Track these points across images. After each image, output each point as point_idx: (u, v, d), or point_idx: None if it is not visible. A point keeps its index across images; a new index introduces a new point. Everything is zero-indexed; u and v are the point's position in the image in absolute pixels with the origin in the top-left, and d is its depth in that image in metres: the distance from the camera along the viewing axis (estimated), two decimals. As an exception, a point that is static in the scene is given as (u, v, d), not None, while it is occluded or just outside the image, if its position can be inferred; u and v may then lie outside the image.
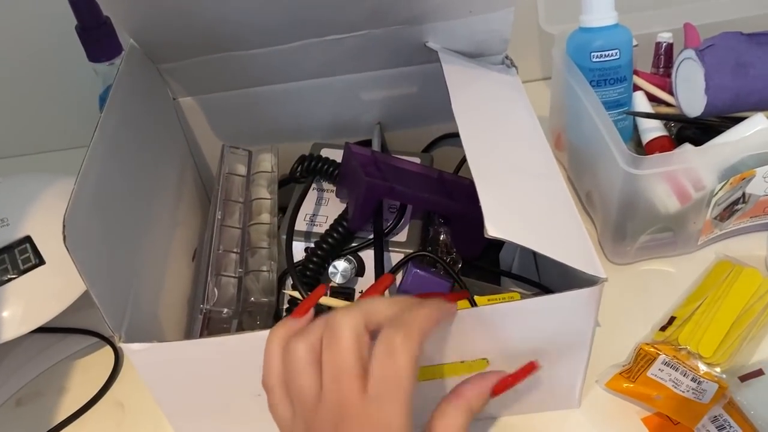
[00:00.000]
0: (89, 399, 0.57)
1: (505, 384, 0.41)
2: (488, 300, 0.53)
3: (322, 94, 0.62)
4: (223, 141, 0.62)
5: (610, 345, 0.56)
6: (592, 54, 0.61)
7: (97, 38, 0.65)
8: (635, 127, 0.66)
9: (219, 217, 0.52)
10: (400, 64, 0.61)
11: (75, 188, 0.39)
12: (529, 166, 0.48)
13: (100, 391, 0.58)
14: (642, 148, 0.65)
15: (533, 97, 0.56)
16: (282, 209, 0.59)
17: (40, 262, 0.55)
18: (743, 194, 0.58)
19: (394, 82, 0.63)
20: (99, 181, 0.43)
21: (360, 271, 0.53)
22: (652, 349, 0.53)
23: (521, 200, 0.44)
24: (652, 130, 0.64)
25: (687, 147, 0.59)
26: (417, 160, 0.61)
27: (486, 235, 0.39)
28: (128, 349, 0.41)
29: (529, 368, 0.42)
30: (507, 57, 0.60)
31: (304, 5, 0.52)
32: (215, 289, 0.48)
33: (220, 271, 0.49)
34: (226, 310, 0.46)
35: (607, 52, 0.60)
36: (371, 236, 0.53)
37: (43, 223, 0.57)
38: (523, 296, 0.53)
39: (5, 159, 0.90)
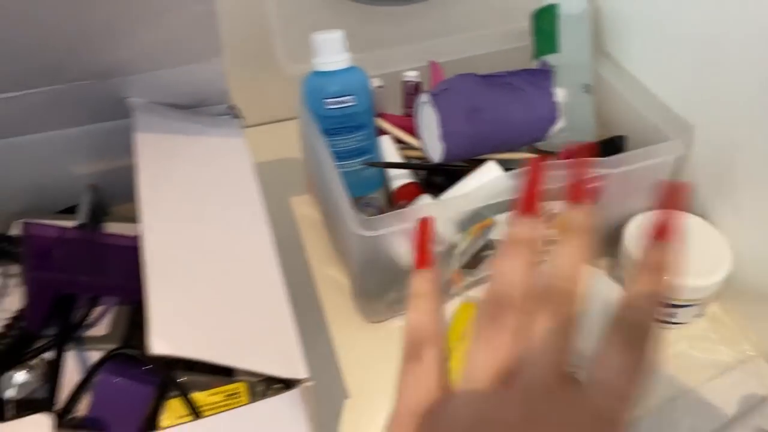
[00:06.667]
0: None
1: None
2: (209, 395, 0.46)
3: (7, 157, 0.52)
4: None
5: (364, 416, 0.51)
6: (326, 101, 0.56)
7: None
8: (385, 174, 0.62)
9: None
10: (106, 118, 0.52)
11: None
12: (232, 249, 0.41)
13: None
14: (391, 195, 0.61)
15: (291, 136, 0.48)
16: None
17: None
18: (488, 241, 0.56)
19: (104, 138, 0.54)
20: None
21: (53, 375, 0.44)
22: None
23: (210, 298, 0.38)
24: (399, 177, 0.60)
25: (424, 199, 0.55)
26: (133, 231, 0.52)
27: (151, 353, 0.32)
28: None
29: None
30: (230, 107, 0.54)
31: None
32: None
33: None
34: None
35: (341, 99, 0.56)
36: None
37: None
38: (251, 384, 0.47)
39: None
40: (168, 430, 0.36)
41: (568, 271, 0.31)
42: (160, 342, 0.33)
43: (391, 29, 0.68)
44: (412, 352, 0.32)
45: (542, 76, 0.57)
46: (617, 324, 0.29)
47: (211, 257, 0.40)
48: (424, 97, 0.57)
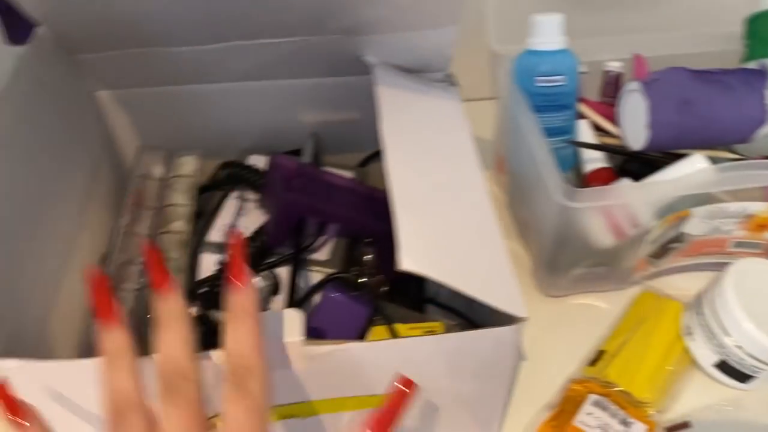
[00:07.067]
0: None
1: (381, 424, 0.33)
2: (409, 329, 0.50)
3: (252, 98, 0.59)
4: (144, 141, 0.59)
5: (538, 380, 0.54)
6: (537, 78, 0.59)
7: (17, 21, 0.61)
8: (578, 156, 0.64)
9: (124, 222, 0.48)
10: (339, 73, 0.58)
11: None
12: (457, 193, 0.45)
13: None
14: (583, 178, 0.63)
15: (481, 116, 0.52)
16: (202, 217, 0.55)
17: None
18: (679, 233, 0.57)
19: (332, 91, 0.60)
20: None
21: (276, 289, 0.50)
22: (581, 388, 0.52)
23: (444, 231, 0.42)
24: (594, 160, 0.62)
25: (624, 182, 0.57)
26: (349, 175, 0.58)
27: (399, 268, 0.36)
28: (2, 367, 0.37)
29: (402, 392, 0.34)
30: (449, 74, 0.58)
31: (234, 7, 0.49)
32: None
33: (120, 282, 0.45)
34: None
35: (552, 78, 0.58)
36: (291, 251, 0.50)
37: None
38: (447, 327, 0.50)
39: None
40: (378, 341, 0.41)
41: (177, 354, 0.33)
42: (408, 260, 0.37)
43: (597, 19, 0.70)
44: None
45: (757, 77, 0.57)
46: (224, 375, 0.32)
47: (441, 199, 0.44)
48: (633, 85, 0.58)
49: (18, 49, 0.48)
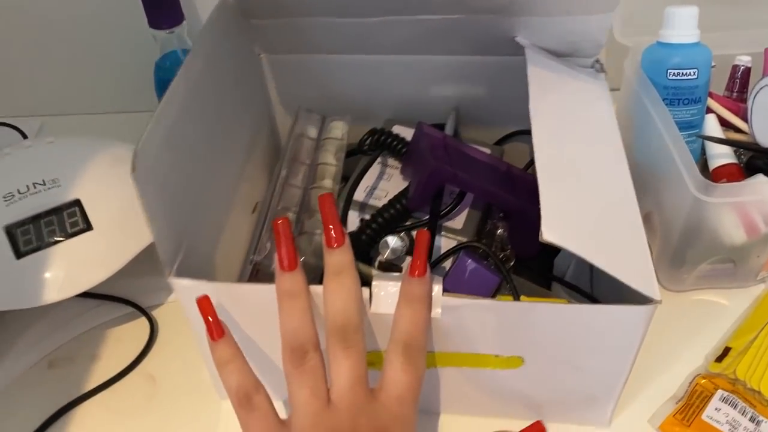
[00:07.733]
0: (121, 369, 0.56)
1: None
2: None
3: (402, 71, 0.62)
4: (300, 103, 0.63)
5: (659, 372, 0.55)
6: (669, 71, 0.59)
7: (160, 5, 0.65)
8: (702, 151, 0.64)
9: (283, 175, 0.53)
10: (486, 52, 0.60)
11: (151, 123, 0.40)
12: (600, 174, 0.47)
13: (133, 362, 0.57)
14: (708, 174, 0.62)
15: None
16: (346, 178, 0.59)
17: (88, 227, 0.54)
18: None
19: (476, 70, 0.62)
20: (175, 120, 0.44)
21: (411, 250, 0.53)
22: (709, 384, 0.52)
23: (584, 208, 0.43)
24: (721, 156, 0.62)
25: (761, 178, 0.56)
26: (487, 151, 0.60)
27: (540, 239, 0.38)
28: (177, 284, 0.42)
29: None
30: (597, 61, 0.58)
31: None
32: (267, 243, 0.49)
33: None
34: (275, 264, 0.47)
35: (684, 71, 0.59)
36: (427, 217, 0.53)
37: (94, 188, 0.56)
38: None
39: (56, 116, 0.89)
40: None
41: (349, 307, 0.38)
42: (549, 232, 0.39)
43: (722, 12, 0.68)
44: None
45: None
46: (395, 345, 0.39)
47: (585, 178, 0.46)
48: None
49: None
